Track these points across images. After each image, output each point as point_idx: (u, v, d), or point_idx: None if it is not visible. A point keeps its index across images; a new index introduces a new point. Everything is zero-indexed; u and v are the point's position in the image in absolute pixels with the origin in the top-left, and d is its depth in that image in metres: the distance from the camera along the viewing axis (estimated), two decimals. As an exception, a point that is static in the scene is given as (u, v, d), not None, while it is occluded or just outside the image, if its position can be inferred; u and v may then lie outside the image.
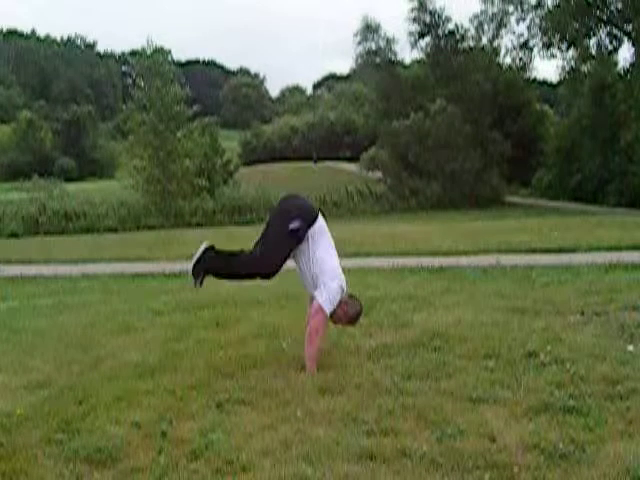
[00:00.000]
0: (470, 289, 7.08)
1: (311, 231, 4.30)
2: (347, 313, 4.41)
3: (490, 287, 7.15)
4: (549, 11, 31.57)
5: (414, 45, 33.85)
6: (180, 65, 78.11)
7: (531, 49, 33.25)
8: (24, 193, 33.84)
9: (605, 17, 31.02)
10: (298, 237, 4.27)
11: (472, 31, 33.74)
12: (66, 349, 5.15)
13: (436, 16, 33.21)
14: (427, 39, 33.68)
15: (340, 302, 4.34)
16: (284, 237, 4.27)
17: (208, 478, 2.85)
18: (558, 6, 30.76)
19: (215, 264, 4.34)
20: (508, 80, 33.85)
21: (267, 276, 4.41)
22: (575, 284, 7.08)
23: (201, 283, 4.37)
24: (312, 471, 2.82)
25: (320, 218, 4.40)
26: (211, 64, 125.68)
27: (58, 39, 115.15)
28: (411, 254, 10.81)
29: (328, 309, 4.25)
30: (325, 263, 4.32)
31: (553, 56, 32.52)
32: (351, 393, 3.75)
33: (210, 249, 4.37)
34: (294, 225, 4.24)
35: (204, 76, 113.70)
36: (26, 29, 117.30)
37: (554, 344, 4.51)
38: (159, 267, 10.85)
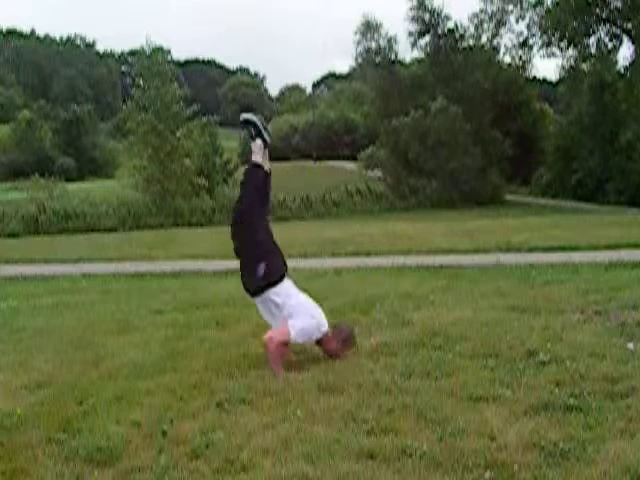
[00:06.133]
0: (470, 288, 7.08)
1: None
2: (343, 339, 4.43)
3: (490, 286, 7.15)
4: (548, 10, 31.53)
5: (414, 44, 33.82)
6: (179, 64, 78.00)
7: (531, 48, 33.22)
8: (24, 193, 33.76)
9: (605, 15, 30.97)
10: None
11: (472, 30, 33.69)
12: (66, 349, 5.15)
13: (435, 15, 33.15)
14: (427, 38, 33.62)
15: (325, 335, 4.38)
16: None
17: (208, 477, 2.85)
18: (557, 4, 30.70)
19: None
20: (508, 79, 33.80)
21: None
22: (575, 283, 7.08)
23: None
24: (312, 470, 2.82)
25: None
26: (210, 63, 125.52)
27: (58, 39, 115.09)
28: (411, 253, 10.81)
29: (294, 334, 4.23)
30: (299, 306, 4.36)
31: (553, 55, 32.52)
32: (351, 392, 3.75)
33: None
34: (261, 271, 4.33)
35: (203, 75, 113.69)
36: (26, 29, 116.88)
37: (554, 343, 4.51)
38: (159, 267, 10.85)
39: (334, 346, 4.42)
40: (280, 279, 4.38)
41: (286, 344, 4.28)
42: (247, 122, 4.57)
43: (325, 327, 4.40)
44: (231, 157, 36.37)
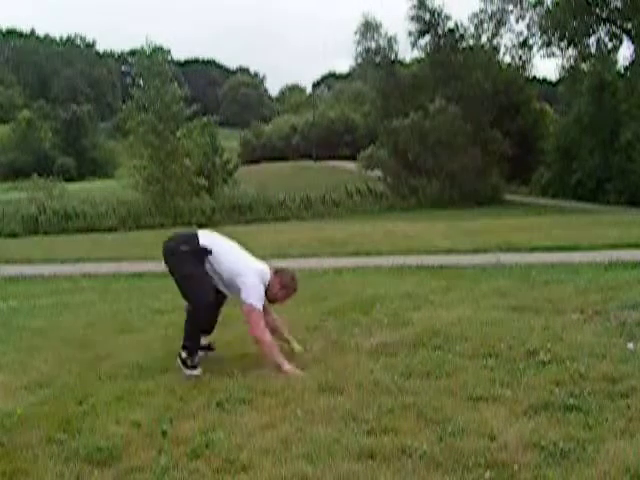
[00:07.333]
0: (470, 288, 7.07)
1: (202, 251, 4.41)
2: (282, 283, 4.49)
3: (490, 285, 7.15)
4: (548, 9, 31.53)
5: (414, 44, 33.84)
6: (179, 64, 78.14)
7: (531, 47, 33.22)
8: (24, 193, 33.76)
9: (605, 15, 30.97)
10: (195, 256, 4.39)
11: (472, 30, 33.72)
12: (66, 349, 5.15)
13: (436, 15, 33.17)
14: (427, 38, 33.64)
15: (268, 284, 4.42)
16: (191, 273, 4.42)
17: (208, 477, 2.85)
18: (557, 4, 30.71)
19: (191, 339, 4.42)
20: (508, 79, 33.81)
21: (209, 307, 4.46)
22: (575, 282, 7.08)
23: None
24: (312, 470, 2.82)
25: (203, 234, 4.52)
26: (210, 63, 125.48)
27: (57, 38, 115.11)
28: (411, 253, 10.81)
29: (258, 304, 4.31)
30: (233, 266, 4.40)
31: (553, 55, 32.53)
32: (351, 392, 3.75)
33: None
34: (184, 247, 4.42)
35: (203, 75, 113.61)
36: (26, 29, 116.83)
37: (554, 342, 4.51)
38: (159, 266, 10.80)
39: (277, 293, 4.49)
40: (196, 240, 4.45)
41: (262, 317, 4.32)
42: None
43: (266, 275, 4.45)
44: (231, 157, 36.34)
